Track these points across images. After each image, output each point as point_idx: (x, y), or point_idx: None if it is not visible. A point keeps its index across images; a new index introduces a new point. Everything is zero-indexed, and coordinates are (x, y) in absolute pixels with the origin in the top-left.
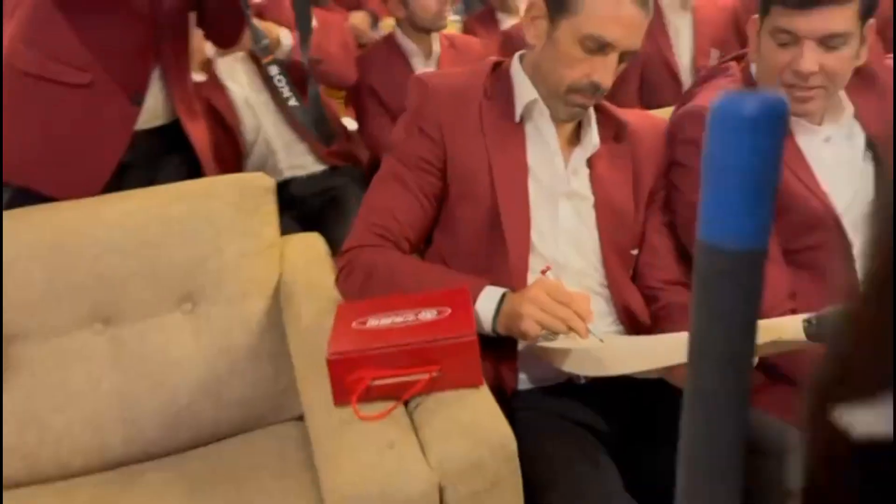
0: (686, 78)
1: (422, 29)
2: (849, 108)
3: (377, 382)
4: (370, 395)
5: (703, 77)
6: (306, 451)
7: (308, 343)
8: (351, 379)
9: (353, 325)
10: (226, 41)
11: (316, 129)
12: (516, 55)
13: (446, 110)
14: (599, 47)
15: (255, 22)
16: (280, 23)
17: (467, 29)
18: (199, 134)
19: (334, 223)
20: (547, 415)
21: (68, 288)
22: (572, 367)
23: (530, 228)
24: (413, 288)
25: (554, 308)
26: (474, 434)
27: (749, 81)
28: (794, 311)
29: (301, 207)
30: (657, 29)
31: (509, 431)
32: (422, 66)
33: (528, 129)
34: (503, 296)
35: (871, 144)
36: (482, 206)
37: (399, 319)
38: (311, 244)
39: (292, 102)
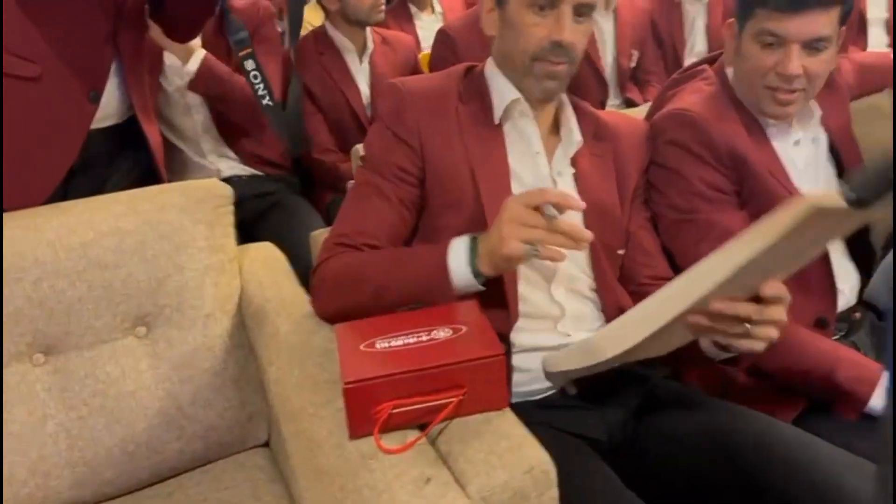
0: (610, 78)
1: (355, 22)
2: (817, 112)
3: (398, 410)
4: (390, 424)
5: (676, 80)
6: (278, 481)
7: (298, 369)
8: (372, 407)
9: (361, 347)
10: (185, 33)
11: (289, 131)
12: (489, 59)
13: (424, 116)
14: (549, 2)
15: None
16: None
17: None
18: (154, 135)
19: (280, 232)
20: (539, 427)
21: (4, 317)
22: (589, 359)
23: None
24: (385, 275)
25: (532, 218)
26: (514, 463)
27: (726, 84)
28: None
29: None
30: None
31: (548, 457)
32: (356, 63)
33: (508, 130)
34: (473, 239)
35: (832, 148)
36: (466, 213)
37: (411, 340)
38: (269, 255)
39: (266, 101)
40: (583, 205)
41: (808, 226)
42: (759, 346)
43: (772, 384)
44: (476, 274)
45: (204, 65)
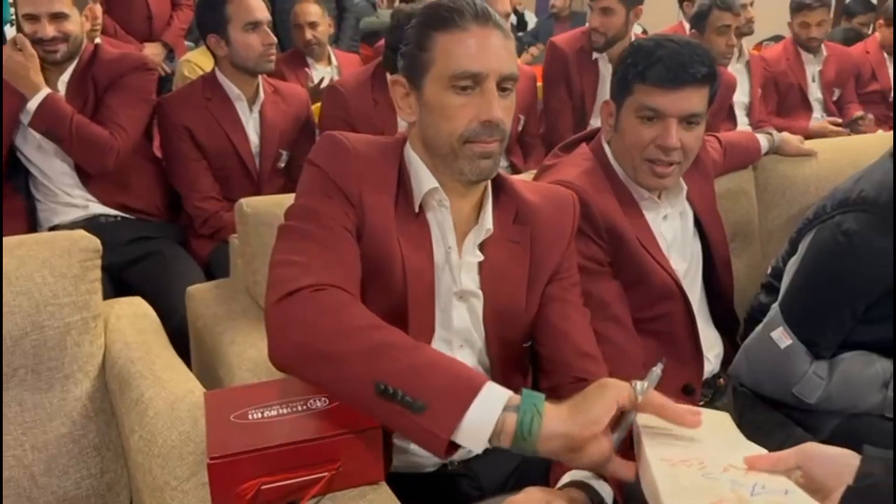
0: None
1: (245, 70)
2: (684, 187)
3: (267, 486)
4: (258, 501)
5: (557, 155)
6: None
7: (162, 438)
8: (239, 484)
9: (232, 418)
10: None
11: None
12: (407, 142)
13: (365, 185)
14: (472, 82)
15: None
16: None
17: (273, 71)
18: None
19: (154, 283)
20: (421, 500)
21: None
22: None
23: (434, 333)
24: (381, 367)
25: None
26: None
27: (602, 159)
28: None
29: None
30: None
31: None
32: (246, 111)
33: (430, 220)
34: (528, 397)
35: (698, 222)
36: (391, 298)
37: (286, 410)
38: (137, 311)
39: None
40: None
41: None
42: None
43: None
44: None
45: (45, 104)
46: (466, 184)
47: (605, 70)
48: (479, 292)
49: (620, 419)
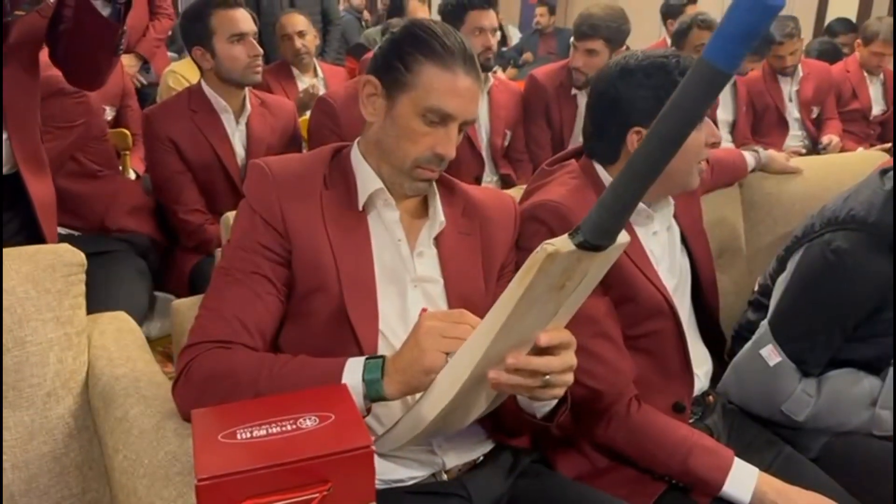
0: (486, 155)
1: (231, 82)
2: (672, 203)
3: None
4: None
5: (545, 171)
6: None
7: (148, 458)
8: None
9: (220, 437)
10: (88, 80)
11: None
12: (356, 142)
13: (287, 200)
14: (441, 119)
15: None
16: None
17: (259, 84)
18: (42, 191)
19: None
20: None
21: None
22: (416, 428)
23: (378, 321)
24: (265, 390)
25: (453, 329)
26: None
27: (592, 174)
28: (636, 398)
29: None
30: None
31: None
32: (232, 124)
33: (372, 217)
34: (369, 360)
35: (683, 239)
36: (331, 301)
37: (275, 430)
38: (122, 326)
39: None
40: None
41: (549, 271)
42: (559, 392)
43: (634, 468)
44: (373, 396)
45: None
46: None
47: (584, 104)
48: (439, 279)
49: None
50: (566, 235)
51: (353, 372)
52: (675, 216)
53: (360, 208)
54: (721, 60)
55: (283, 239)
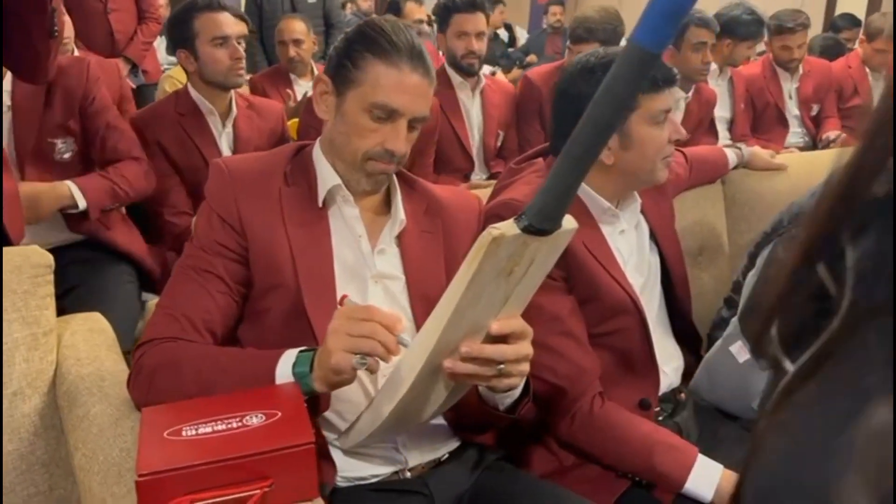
0: (476, 154)
1: (214, 85)
2: (638, 200)
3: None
4: None
5: (513, 170)
6: None
7: (103, 454)
8: (167, 502)
9: (165, 434)
10: (31, 70)
11: None
12: (318, 140)
13: (245, 199)
14: (387, 115)
15: None
16: None
17: (255, 87)
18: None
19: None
20: None
21: None
22: (375, 422)
23: None
24: (206, 378)
25: (357, 327)
26: None
27: None
28: (601, 395)
29: None
30: (451, 109)
31: None
32: (219, 126)
33: (333, 213)
34: (303, 352)
35: (653, 236)
36: (289, 297)
37: (221, 427)
38: (94, 327)
39: None
40: (403, 327)
41: (495, 255)
42: (515, 381)
43: (597, 465)
44: (304, 390)
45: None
46: (363, 190)
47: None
48: (400, 276)
49: None
50: (511, 220)
51: (286, 364)
52: (644, 214)
53: (320, 204)
54: (649, 42)
55: (239, 237)
